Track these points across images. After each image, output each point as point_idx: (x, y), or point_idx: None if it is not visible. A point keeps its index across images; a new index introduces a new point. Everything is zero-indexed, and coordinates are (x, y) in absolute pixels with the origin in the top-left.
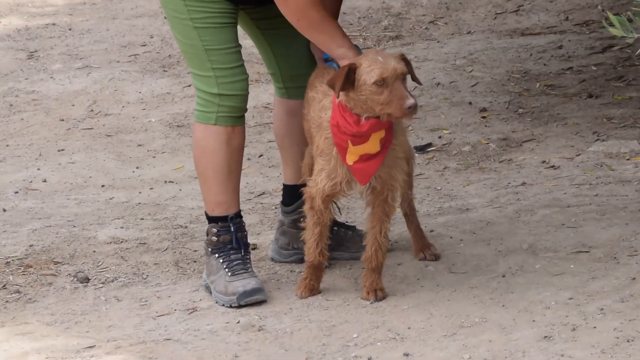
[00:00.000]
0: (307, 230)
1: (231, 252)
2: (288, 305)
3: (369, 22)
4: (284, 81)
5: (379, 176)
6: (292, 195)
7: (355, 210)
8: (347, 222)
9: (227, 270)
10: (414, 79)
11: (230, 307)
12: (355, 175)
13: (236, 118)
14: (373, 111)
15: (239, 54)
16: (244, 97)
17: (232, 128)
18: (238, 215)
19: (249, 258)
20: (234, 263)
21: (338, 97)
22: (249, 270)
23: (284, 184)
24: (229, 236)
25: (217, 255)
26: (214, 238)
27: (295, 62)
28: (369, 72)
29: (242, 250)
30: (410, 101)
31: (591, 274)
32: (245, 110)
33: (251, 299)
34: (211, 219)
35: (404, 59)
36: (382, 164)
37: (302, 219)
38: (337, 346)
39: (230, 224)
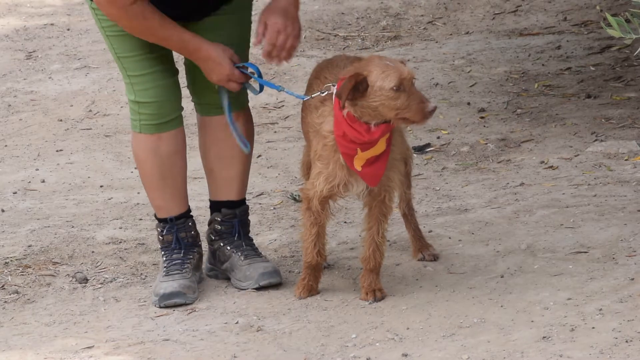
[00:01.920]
0: (304, 231)
1: (174, 251)
2: (287, 306)
3: (367, 23)
4: (193, 94)
5: None
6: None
7: (354, 211)
8: (345, 221)
9: (164, 269)
10: None
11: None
12: (365, 179)
13: (159, 125)
14: (383, 117)
15: (155, 60)
16: (161, 104)
17: (159, 136)
18: (183, 216)
19: (192, 258)
20: (172, 263)
21: (344, 108)
22: (184, 271)
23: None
24: (171, 236)
25: (162, 253)
26: (160, 237)
27: (196, 76)
28: (384, 78)
29: (183, 251)
30: (432, 105)
31: (590, 275)
32: (173, 115)
33: (170, 302)
34: (158, 219)
35: (403, 63)
36: None
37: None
38: (336, 346)
39: (172, 225)
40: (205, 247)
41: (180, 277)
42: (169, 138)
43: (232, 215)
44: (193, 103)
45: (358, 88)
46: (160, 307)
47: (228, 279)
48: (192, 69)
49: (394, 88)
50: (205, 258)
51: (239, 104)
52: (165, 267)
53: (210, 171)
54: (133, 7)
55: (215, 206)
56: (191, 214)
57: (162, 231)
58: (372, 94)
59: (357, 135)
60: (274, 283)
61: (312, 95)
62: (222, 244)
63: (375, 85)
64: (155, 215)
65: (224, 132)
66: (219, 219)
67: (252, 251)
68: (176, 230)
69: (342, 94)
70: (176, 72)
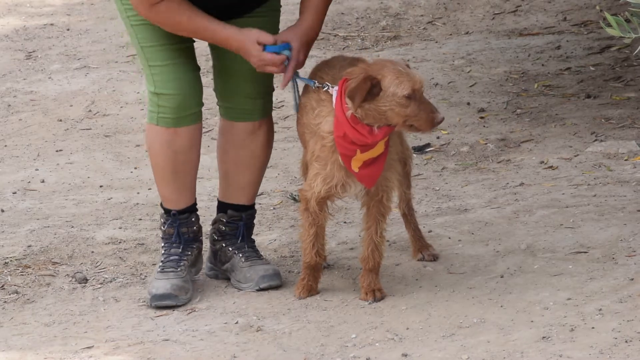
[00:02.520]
0: (303, 231)
1: (173, 245)
2: (286, 306)
3: (367, 23)
4: (219, 97)
5: None
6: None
7: (353, 211)
8: (345, 221)
9: (160, 263)
10: None
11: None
12: (361, 181)
13: (177, 119)
14: (389, 122)
15: (178, 52)
16: (182, 97)
17: (175, 130)
18: (187, 210)
19: (190, 254)
20: (170, 258)
21: (356, 111)
22: (179, 269)
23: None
24: (172, 229)
25: (162, 244)
26: (162, 227)
27: (223, 79)
28: (398, 85)
29: (182, 246)
30: (440, 115)
31: (589, 275)
32: (193, 110)
33: (160, 303)
34: (163, 209)
35: (408, 65)
36: None
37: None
38: (336, 347)
39: (174, 219)
40: (206, 246)
41: (174, 276)
42: (186, 133)
43: (238, 218)
44: (218, 106)
45: (371, 91)
46: (152, 307)
47: (228, 279)
48: (220, 72)
49: (407, 96)
50: (206, 257)
51: (264, 112)
52: (162, 261)
53: (225, 174)
54: (159, 6)
55: (222, 207)
56: (197, 207)
57: (164, 222)
58: (383, 98)
59: (359, 137)
60: (273, 286)
61: (318, 85)
62: (224, 245)
63: (388, 91)
64: (161, 204)
65: (245, 138)
66: (224, 219)
67: (253, 253)
68: (178, 225)
69: (357, 96)
70: (198, 68)
